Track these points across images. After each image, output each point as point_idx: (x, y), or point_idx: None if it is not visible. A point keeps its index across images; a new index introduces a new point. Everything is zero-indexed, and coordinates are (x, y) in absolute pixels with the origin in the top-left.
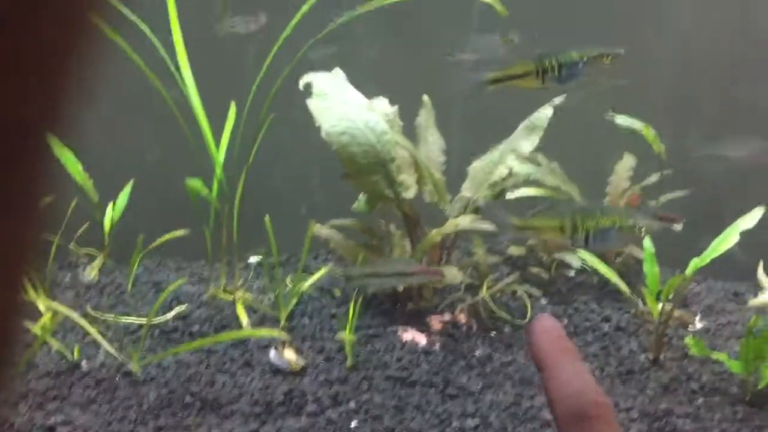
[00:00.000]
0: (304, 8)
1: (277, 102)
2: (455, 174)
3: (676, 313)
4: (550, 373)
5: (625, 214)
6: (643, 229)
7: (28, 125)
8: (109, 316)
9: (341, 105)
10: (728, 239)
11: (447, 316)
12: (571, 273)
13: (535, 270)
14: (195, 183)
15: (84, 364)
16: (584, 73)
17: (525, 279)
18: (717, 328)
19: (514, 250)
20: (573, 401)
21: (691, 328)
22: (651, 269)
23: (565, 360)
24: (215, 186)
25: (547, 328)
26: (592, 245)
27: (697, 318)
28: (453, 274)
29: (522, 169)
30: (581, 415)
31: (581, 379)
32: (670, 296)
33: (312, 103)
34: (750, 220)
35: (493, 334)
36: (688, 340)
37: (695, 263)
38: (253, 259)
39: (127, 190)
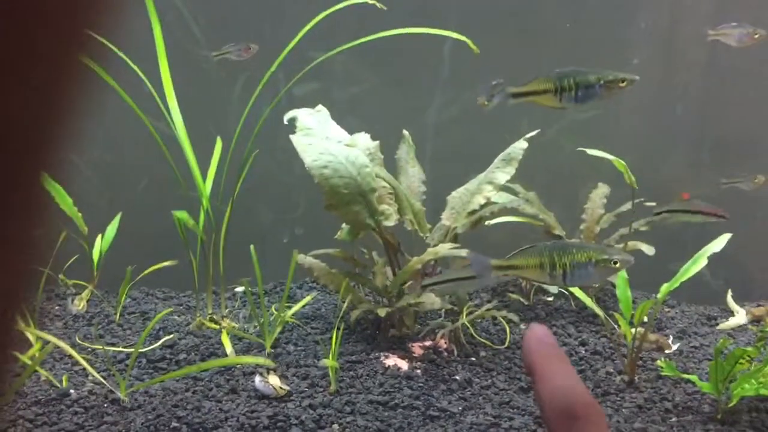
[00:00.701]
0: (290, 46)
1: (261, 136)
2: (436, 203)
3: (652, 336)
4: (540, 376)
5: (601, 250)
6: (618, 263)
7: (22, 158)
8: (98, 346)
9: (323, 140)
10: (697, 263)
11: (428, 342)
12: (550, 298)
13: (514, 296)
14: (181, 214)
15: (72, 392)
16: (599, 95)
17: (505, 304)
18: (690, 351)
19: None
20: (562, 402)
21: (666, 350)
22: (624, 293)
23: (554, 364)
24: (201, 217)
25: (539, 336)
26: (570, 281)
27: (670, 340)
28: (432, 300)
29: (499, 198)
30: (570, 415)
31: (570, 382)
32: (644, 319)
33: (295, 139)
34: (718, 244)
35: (473, 359)
36: (660, 362)
37: (666, 287)
38: (240, 289)
39: (115, 222)
